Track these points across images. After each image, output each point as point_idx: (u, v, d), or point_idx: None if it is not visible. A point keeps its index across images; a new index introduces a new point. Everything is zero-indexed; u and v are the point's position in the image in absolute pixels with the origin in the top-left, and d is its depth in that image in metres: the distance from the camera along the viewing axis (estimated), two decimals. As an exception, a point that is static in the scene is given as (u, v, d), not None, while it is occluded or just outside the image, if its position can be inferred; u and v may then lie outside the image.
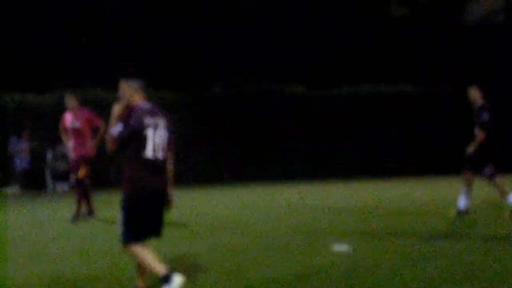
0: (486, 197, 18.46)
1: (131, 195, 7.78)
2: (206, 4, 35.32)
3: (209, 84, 30.40)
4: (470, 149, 15.17)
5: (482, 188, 19.83)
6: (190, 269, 9.58)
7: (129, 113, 7.91)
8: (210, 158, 28.24)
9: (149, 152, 7.84)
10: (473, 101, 15.59)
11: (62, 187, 26.17)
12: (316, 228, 13.62)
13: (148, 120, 7.89)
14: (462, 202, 15.26)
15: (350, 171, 29.16)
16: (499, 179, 15.22)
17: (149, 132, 7.86)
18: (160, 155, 7.92)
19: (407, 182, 26.32)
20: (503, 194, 15.27)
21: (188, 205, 19.20)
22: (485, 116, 15.25)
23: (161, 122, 8.00)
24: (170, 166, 8.12)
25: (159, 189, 7.90)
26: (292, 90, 29.34)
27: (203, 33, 34.74)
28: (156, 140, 7.90)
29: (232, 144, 28.49)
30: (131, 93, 8.07)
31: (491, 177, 15.25)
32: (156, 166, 7.86)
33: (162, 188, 7.94)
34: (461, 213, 15.15)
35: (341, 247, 11.08)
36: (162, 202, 7.97)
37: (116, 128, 7.81)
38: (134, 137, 7.80)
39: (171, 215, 15.84)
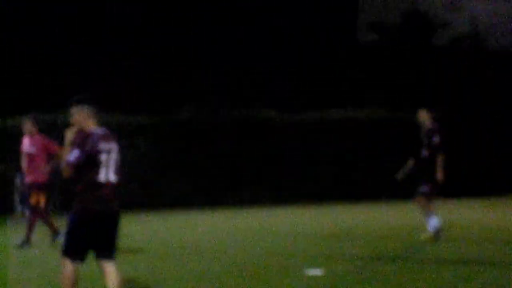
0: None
1: (81, 215, 7.92)
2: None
3: (180, 107, 30.35)
4: (440, 174, 15.22)
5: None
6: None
7: (84, 138, 8.04)
8: (179, 182, 27.88)
9: (102, 176, 8.00)
10: (422, 124, 15.71)
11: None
12: (289, 252, 13.60)
13: (102, 145, 8.05)
14: (432, 224, 15.29)
15: (321, 195, 29.04)
16: (430, 201, 15.27)
17: (103, 157, 8.03)
18: (112, 179, 8.07)
19: (379, 206, 26.19)
20: (427, 215, 15.33)
21: (158, 229, 19.15)
22: (436, 138, 15.35)
23: (114, 147, 8.17)
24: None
25: (111, 212, 8.03)
26: (261, 114, 29.25)
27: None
28: (109, 164, 8.07)
29: (203, 168, 28.19)
30: (84, 118, 8.21)
31: (424, 195, 15.33)
32: (108, 189, 8.01)
33: (114, 211, 8.06)
34: (435, 235, 15.20)
35: (314, 272, 11.11)
36: (113, 225, 8.07)
37: (72, 154, 7.95)
38: (89, 162, 7.95)
39: (141, 240, 15.88)
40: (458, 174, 26.76)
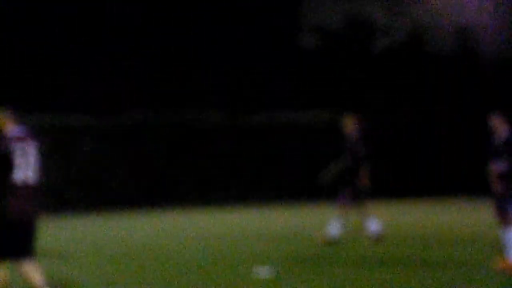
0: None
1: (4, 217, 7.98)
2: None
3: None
4: (365, 181, 15.28)
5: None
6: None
7: None
8: (126, 182, 27.68)
9: (18, 176, 8.04)
10: (347, 130, 15.64)
11: None
12: (238, 253, 13.70)
13: (16, 146, 8.11)
14: (373, 227, 15.29)
15: (265, 196, 29.05)
16: (361, 206, 15.29)
17: (18, 157, 8.07)
18: (30, 179, 8.09)
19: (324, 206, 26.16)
20: (340, 217, 15.28)
21: (102, 230, 19.18)
22: (359, 148, 15.45)
23: (31, 147, 8.21)
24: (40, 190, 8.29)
25: (28, 212, 8.08)
26: (210, 118, 29.25)
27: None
28: (25, 164, 8.09)
29: (151, 169, 28.09)
30: (3, 121, 8.34)
31: (343, 203, 15.36)
32: (25, 190, 8.05)
33: (32, 211, 8.11)
34: (377, 237, 15.21)
35: (263, 272, 11.11)
36: (30, 224, 8.12)
37: None
38: (3, 163, 8.00)
39: (86, 242, 15.83)
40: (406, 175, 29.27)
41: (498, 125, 11.71)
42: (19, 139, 8.21)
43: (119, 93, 33.62)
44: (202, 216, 24.12)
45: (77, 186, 26.42)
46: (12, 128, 8.31)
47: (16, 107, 8.69)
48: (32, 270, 8.12)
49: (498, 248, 12.38)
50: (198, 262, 12.77)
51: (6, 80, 32.07)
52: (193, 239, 16.89)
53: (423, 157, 31.61)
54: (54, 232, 18.49)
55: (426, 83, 34.32)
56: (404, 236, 16.44)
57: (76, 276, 10.36)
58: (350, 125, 15.62)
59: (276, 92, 34.50)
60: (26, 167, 8.13)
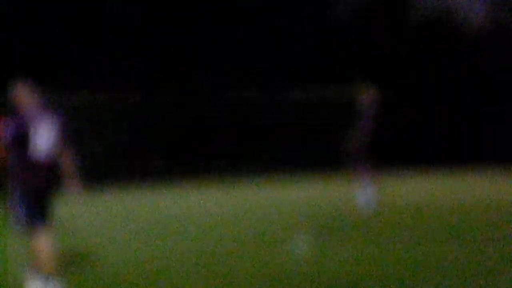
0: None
1: (22, 191, 8.14)
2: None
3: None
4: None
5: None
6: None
7: (14, 119, 8.24)
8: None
9: (35, 154, 8.15)
10: (364, 103, 15.74)
11: None
12: (276, 228, 13.53)
13: (35, 123, 8.20)
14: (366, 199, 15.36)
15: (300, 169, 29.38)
16: None
17: (36, 134, 8.16)
18: (42, 156, 8.18)
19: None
20: (367, 185, 15.33)
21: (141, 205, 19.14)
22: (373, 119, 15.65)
23: (50, 123, 8.28)
24: (67, 164, 8.34)
25: (41, 187, 8.20)
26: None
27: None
28: (43, 141, 8.19)
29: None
30: (22, 97, 8.40)
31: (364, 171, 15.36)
32: (43, 166, 8.19)
33: (45, 186, 8.23)
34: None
35: (301, 246, 11.02)
36: (44, 197, 8.26)
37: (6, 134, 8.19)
38: (21, 140, 8.13)
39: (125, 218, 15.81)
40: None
41: None
42: (37, 115, 8.25)
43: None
44: (235, 191, 24.25)
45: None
46: (31, 104, 8.31)
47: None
48: (45, 248, 8.16)
49: None
50: (233, 238, 12.73)
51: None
52: (230, 214, 16.87)
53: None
54: (97, 206, 18.52)
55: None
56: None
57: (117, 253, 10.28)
58: (367, 97, 15.79)
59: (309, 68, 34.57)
60: (44, 144, 8.19)
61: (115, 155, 27.32)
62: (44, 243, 8.17)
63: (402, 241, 11.53)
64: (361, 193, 15.70)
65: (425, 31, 35.91)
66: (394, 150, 26.92)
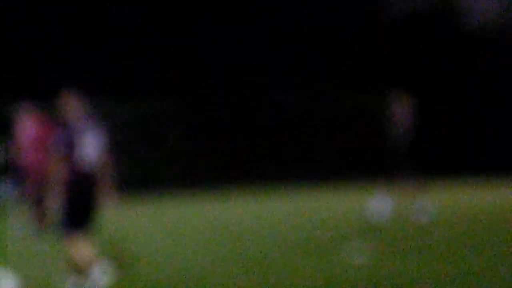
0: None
1: (66, 199, 8.31)
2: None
3: None
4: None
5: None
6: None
7: (62, 129, 8.42)
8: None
9: (80, 163, 8.33)
10: (399, 110, 15.73)
11: None
12: (326, 237, 13.35)
13: (80, 133, 8.36)
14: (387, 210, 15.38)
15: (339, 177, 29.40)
16: None
17: (80, 145, 8.34)
18: (88, 164, 8.36)
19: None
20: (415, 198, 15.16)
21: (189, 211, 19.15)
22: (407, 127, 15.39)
23: (95, 134, 8.45)
24: (105, 175, 8.49)
25: (86, 195, 8.41)
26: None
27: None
28: (87, 151, 8.36)
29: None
30: (69, 107, 8.48)
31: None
32: (87, 175, 8.40)
33: (89, 194, 8.43)
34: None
35: (357, 256, 10.87)
36: (88, 205, 8.45)
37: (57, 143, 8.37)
38: (66, 150, 8.31)
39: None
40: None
41: None
42: (84, 125, 8.39)
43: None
44: (284, 198, 24.15)
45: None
46: (77, 114, 8.40)
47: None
48: (84, 249, 8.29)
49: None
50: (284, 247, 12.60)
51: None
52: (279, 221, 16.79)
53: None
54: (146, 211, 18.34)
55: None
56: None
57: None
58: (401, 105, 15.73)
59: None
60: (89, 153, 8.34)
61: (165, 162, 27.63)
62: (84, 250, 8.23)
63: (458, 253, 11.27)
64: (379, 202, 15.46)
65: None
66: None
